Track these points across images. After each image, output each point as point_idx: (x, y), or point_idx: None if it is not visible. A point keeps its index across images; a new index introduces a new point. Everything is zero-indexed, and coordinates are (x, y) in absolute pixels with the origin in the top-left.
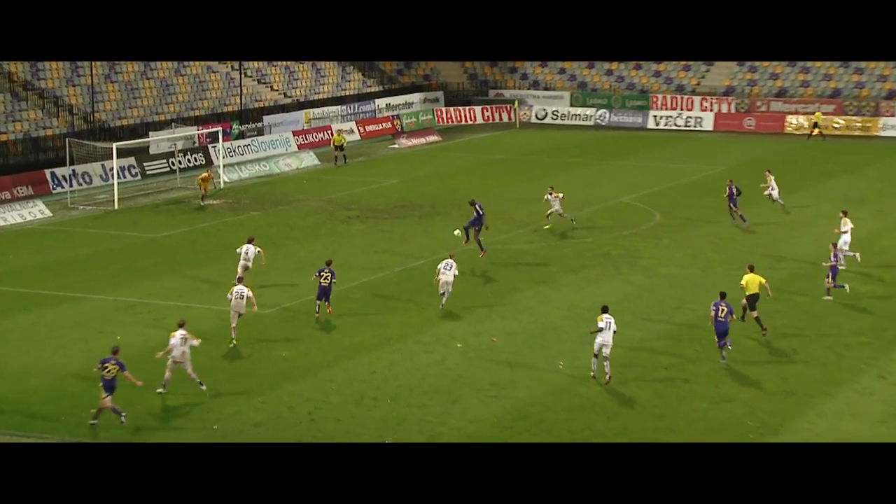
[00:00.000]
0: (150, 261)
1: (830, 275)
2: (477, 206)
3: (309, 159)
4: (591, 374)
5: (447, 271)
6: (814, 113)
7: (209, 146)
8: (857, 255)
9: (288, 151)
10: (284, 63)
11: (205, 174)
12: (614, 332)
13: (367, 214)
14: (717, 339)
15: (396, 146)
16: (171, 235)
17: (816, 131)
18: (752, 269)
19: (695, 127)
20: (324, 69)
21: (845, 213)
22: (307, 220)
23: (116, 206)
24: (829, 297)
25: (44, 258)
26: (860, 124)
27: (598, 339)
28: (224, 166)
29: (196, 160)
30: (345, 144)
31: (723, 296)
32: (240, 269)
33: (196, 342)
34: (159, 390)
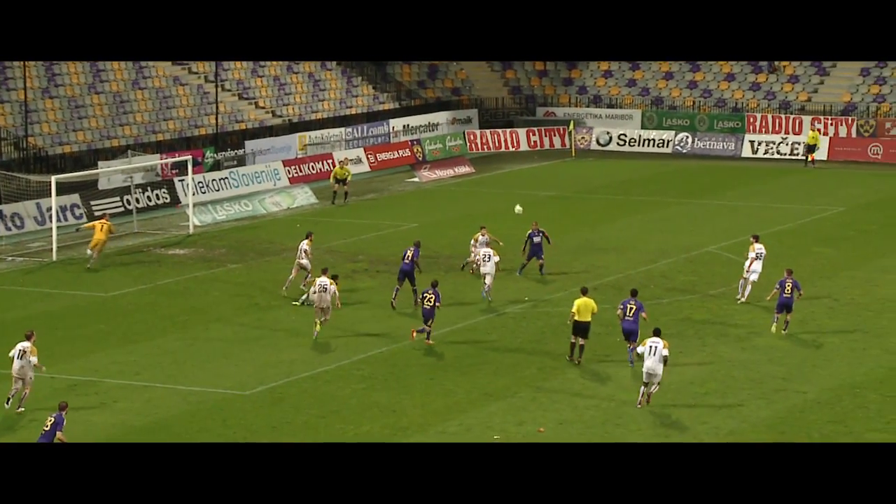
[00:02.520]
0: (97, 327)
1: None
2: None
3: (303, 197)
4: (638, 405)
5: (487, 263)
6: (811, 133)
7: (175, 180)
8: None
9: (277, 186)
10: (273, 72)
11: (108, 225)
12: (664, 357)
13: (379, 268)
14: (624, 339)
15: (416, 180)
16: (124, 294)
17: (811, 155)
18: (584, 293)
19: (804, 155)
20: (324, 80)
21: (756, 238)
22: (300, 275)
23: (55, 257)
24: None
25: None
26: None
27: (645, 367)
28: (194, 206)
29: (158, 198)
30: (349, 178)
31: (633, 293)
32: (293, 271)
33: (34, 359)
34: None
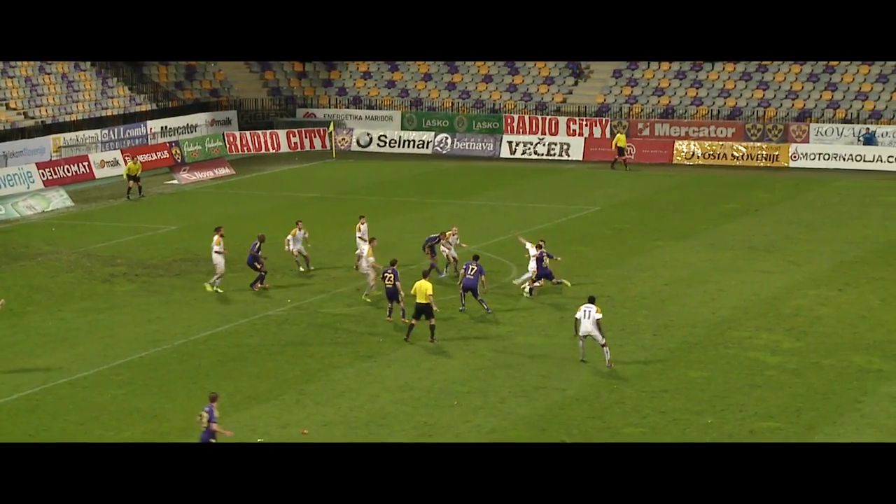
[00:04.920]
0: None
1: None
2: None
3: (59, 200)
4: (581, 358)
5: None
6: (617, 136)
7: None
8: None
9: (30, 189)
10: (24, 73)
11: None
12: (597, 320)
13: (138, 271)
14: (461, 294)
15: (175, 182)
16: None
17: (623, 157)
18: (425, 275)
19: (560, 155)
20: (78, 81)
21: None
22: (57, 279)
23: None
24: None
25: None
26: (765, 152)
27: (581, 330)
28: None
29: None
30: (140, 174)
31: (476, 258)
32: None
33: None
34: None
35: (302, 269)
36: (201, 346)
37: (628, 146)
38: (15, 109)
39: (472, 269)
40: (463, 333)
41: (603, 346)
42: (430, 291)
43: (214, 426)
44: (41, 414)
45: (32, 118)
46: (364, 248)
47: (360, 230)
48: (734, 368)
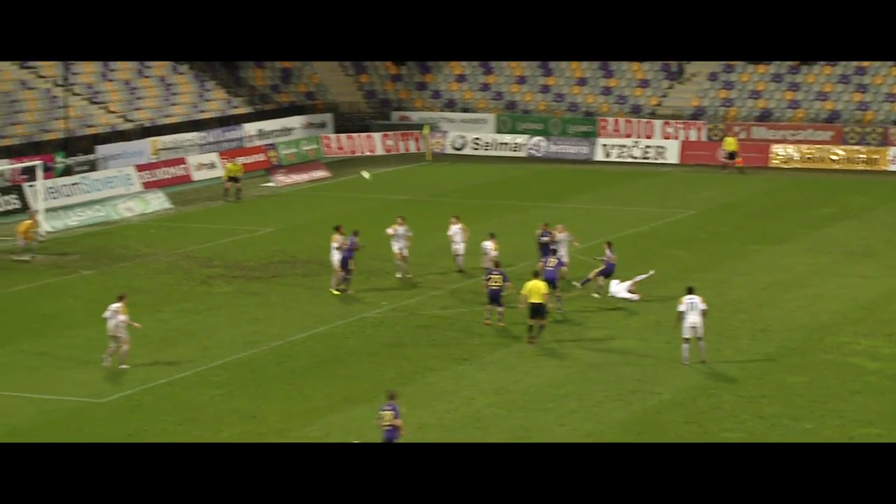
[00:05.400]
0: None
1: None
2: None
3: (157, 202)
4: (683, 361)
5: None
6: (726, 139)
7: (25, 185)
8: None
9: (130, 192)
10: (123, 76)
11: (28, 221)
12: (703, 311)
13: (235, 273)
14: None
15: (272, 184)
16: None
17: (736, 161)
18: (536, 275)
19: (656, 159)
20: (176, 85)
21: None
22: (155, 280)
23: None
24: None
25: None
26: (864, 156)
27: (687, 323)
28: (45, 211)
29: (7, 204)
30: (241, 176)
31: (554, 251)
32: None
33: (124, 318)
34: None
35: (399, 275)
36: (298, 347)
37: (738, 149)
38: (115, 112)
39: (553, 261)
40: (558, 336)
41: (700, 339)
42: (545, 291)
43: (400, 422)
44: (141, 414)
45: (131, 121)
46: (460, 248)
47: (452, 230)
48: (833, 374)
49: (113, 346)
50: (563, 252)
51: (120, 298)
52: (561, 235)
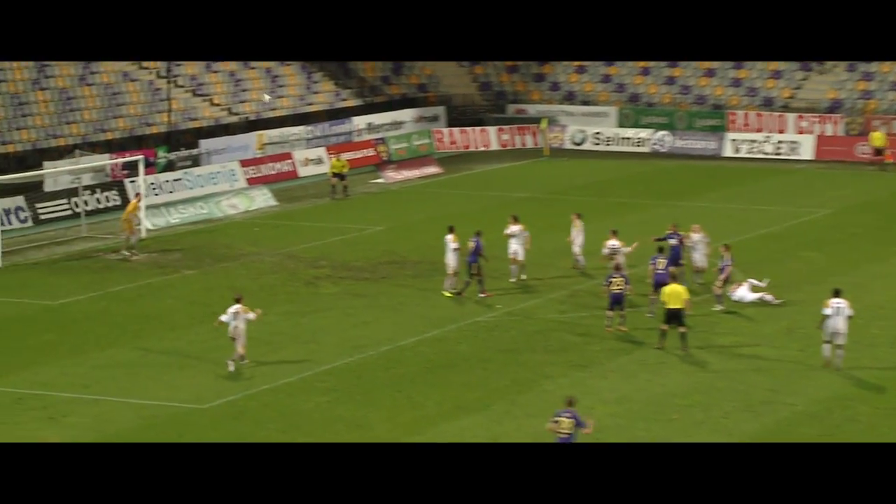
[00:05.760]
0: (44, 337)
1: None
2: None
3: (262, 198)
4: (824, 362)
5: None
6: (872, 134)
7: (126, 181)
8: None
9: (233, 188)
10: (228, 67)
11: (132, 202)
12: (848, 317)
13: (342, 274)
14: (652, 292)
15: (381, 181)
16: (72, 303)
17: (885, 157)
18: (674, 279)
19: (789, 155)
20: (283, 76)
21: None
22: (260, 281)
23: (0, 263)
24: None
25: None
26: None
27: (829, 328)
28: (147, 208)
29: (108, 200)
30: (346, 172)
31: (661, 250)
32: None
33: (252, 315)
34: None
35: (513, 279)
36: (408, 352)
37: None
38: (219, 105)
39: (662, 262)
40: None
41: (839, 347)
42: (686, 296)
43: (587, 430)
44: (245, 421)
45: (236, 114)
46: (578, 249)
47: (576, 228)
48: None
49: (240, 352)
50: (700, 254)
51: (237, 300)
52: (697, 236)
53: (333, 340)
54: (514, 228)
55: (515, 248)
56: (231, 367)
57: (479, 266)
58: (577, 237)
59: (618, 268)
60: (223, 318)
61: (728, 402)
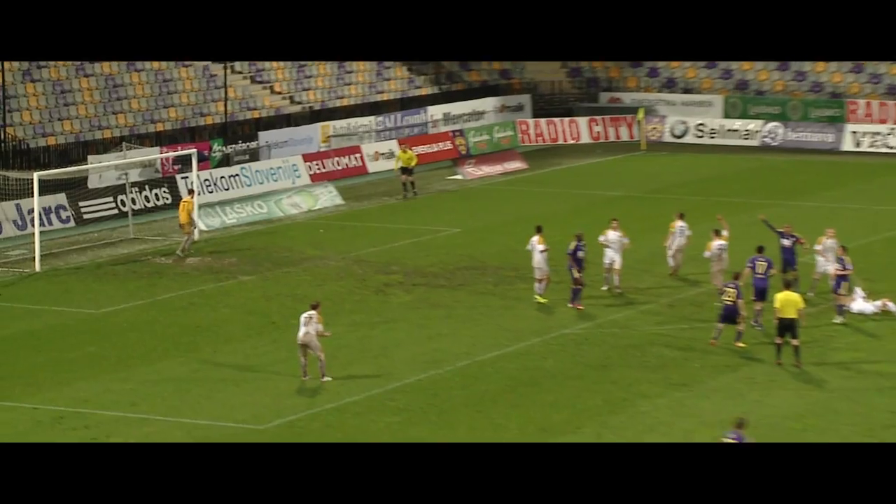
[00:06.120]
0: (86, 350)
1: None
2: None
3: (328, 197)
4: None
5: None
6: None
7: (178, 177)
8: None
9: (296, 185)
10: None
11: (186, 199)
12: None
13: (415, 280)
14: (753, 299)
15: (459, 177)
16: (118, 311)
17: None
18: (788, 286)
19: None
20: (350, 62)
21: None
22: (324, 288)
23: (38, 268)
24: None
25: None
26: None
27: None
28: (200, 207)
29: (158, 198)
30: (414, 165)
31: (760, 250)
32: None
33: (322, 328)
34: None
35: (605, 287)
36: (487, 368)
37: None
38: (280, 93)
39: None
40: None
41: None
42: (801, 305)
43: None
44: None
45: (299, 103)
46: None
47: (674, 229)
48: None
49: (304, 360)
50: (826, 261)
51: (314, 307)
52: (829, 242)
53: (405, 355)
54: (612, 235)
55: (612, 256)
56: (325, 378)
57: (575, 272)
58: (676, 240)
59: (736, 276)
60: (303, 328)
61: (846, 426)
